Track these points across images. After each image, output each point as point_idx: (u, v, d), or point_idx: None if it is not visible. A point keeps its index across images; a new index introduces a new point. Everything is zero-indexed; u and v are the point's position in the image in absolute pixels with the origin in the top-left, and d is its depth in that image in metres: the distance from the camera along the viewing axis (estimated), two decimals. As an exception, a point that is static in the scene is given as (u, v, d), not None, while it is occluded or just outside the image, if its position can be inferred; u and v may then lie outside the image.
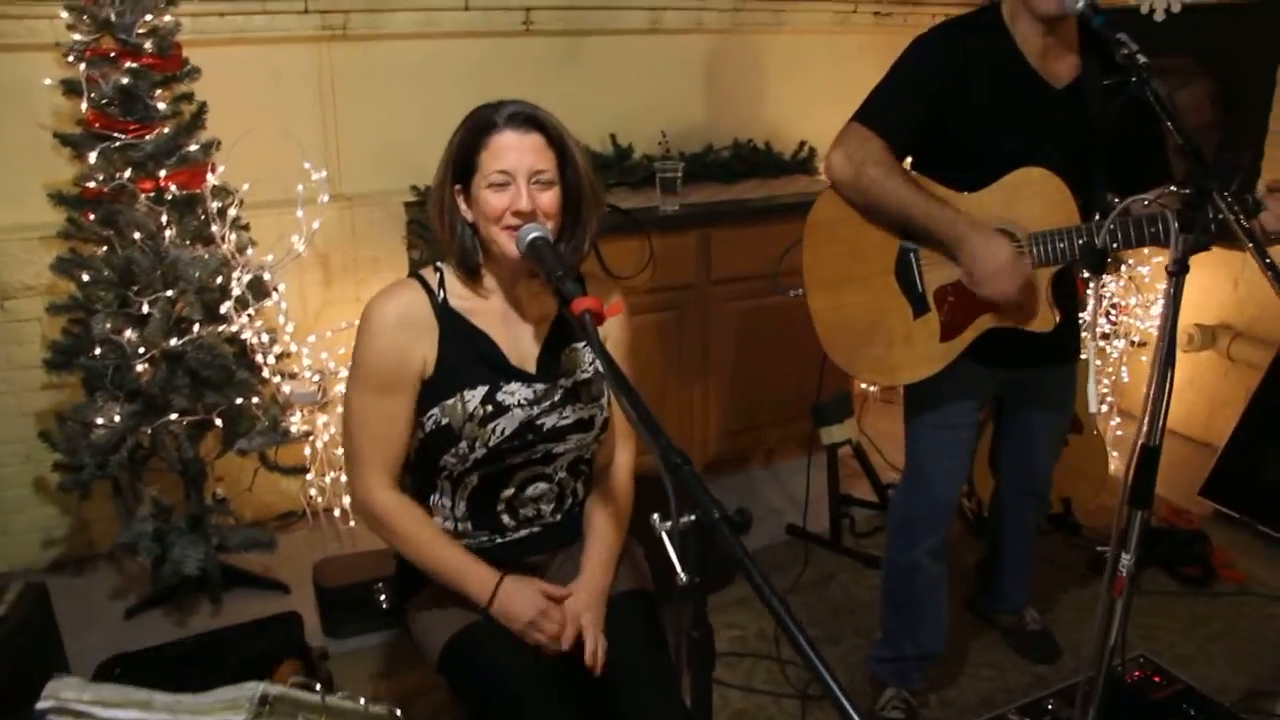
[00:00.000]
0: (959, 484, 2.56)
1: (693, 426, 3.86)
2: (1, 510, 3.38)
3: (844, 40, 4.33)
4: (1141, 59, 1.85)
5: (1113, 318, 4.08)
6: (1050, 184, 2.17)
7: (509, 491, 1.90)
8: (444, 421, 1.82)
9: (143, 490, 3.11)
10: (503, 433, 1.83)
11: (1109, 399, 4.22)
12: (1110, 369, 4.19)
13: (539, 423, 1.86)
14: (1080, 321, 3.31)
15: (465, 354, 1.83)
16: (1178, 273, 1.75)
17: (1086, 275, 3.76)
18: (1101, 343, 4.08)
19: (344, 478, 3.56)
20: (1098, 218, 2.19)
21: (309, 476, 3.50)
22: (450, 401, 1.81)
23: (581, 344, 1.91)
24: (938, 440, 2.48)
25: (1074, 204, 2.16)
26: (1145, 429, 1.83)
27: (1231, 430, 3.75)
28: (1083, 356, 2.57)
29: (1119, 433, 4.18)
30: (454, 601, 1.87)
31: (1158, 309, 4.13)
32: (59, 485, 3.06)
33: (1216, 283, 4.14)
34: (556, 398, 1.88)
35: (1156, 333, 4.03)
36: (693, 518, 1.25)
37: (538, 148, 1.75)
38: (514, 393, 1.84)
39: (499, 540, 1.92)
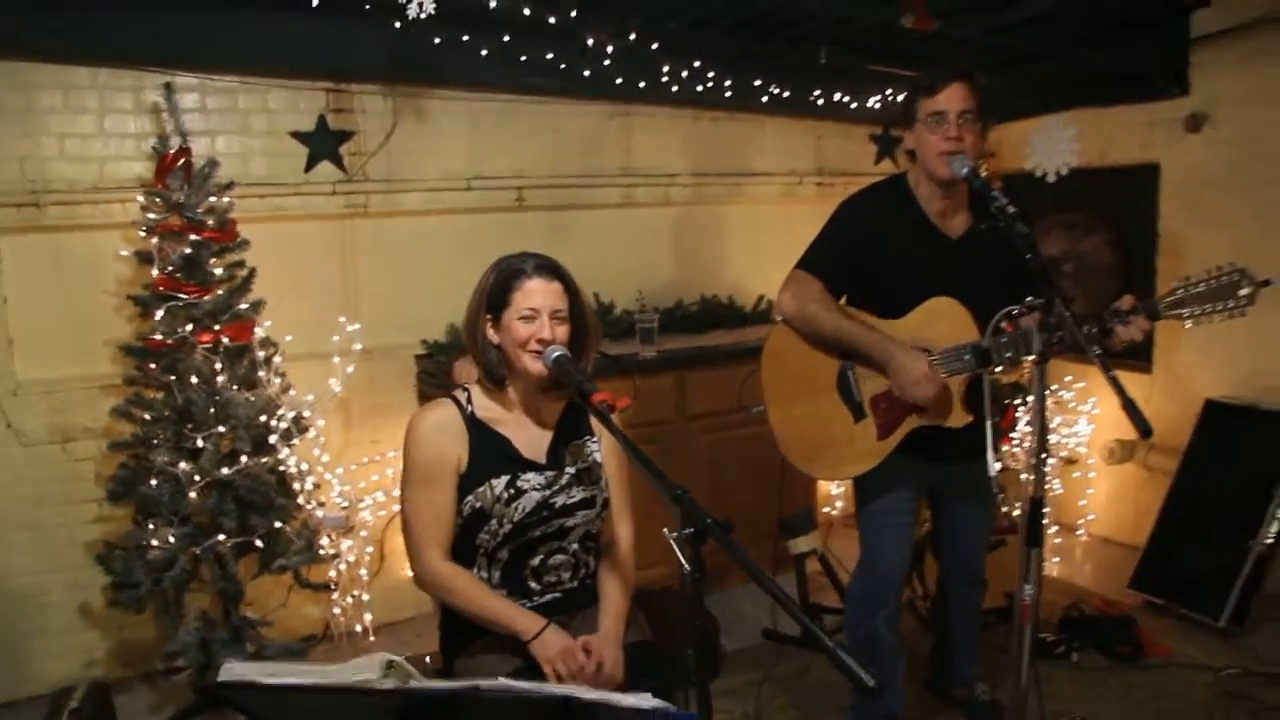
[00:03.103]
0: (904, 561, 3.02)
1: (670, 550, 4.27)
2: (49, 634, 3.72)
3: (792, 209, 5.01)
4: (1010, 209, 2.40)
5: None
6: (955, 310, 2.73)
7: (534, 561, 2.34)
8: (477, 505, 2.29)
9: (185, 607, 3.48)
10: (524, 510, 2.29)
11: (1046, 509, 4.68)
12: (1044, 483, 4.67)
13: (552, 501, 2.32)
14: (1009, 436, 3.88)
15: (490, 452, 2.32)
16: (1041, 361, 2.26)
17: (1013, 401, 4.34)
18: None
19: (365, 596, 3.94)
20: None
21: (334, 596, 3.87)
22: (481, 489, 2.29)
23: (582, 439, 2.41)
24: (884, 525, 2.96)
25: (974, 326, 2.70)
26: (1031, 485, 2.30)
27: (1151, 530, 4.23)
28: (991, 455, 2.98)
29: (1058, 540, 4.65)
30: (498, 650, 2.28)
31: (1081, 427, 4.70)
32: (113, 602, 3.42)
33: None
34: (564, 481, 2.35)
35: (1083, 448, 4.58)
36: (691, 530, 1.71)
37: (557, 292, 2.31)
38: (530, 480, 2.32)
39: (528, 604, 2.34)
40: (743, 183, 4.96)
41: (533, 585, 2.35)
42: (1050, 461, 4.66)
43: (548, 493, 2.32)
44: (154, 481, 3.36)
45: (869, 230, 2.81)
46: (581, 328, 2.36)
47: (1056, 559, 4.63)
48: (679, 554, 1.72)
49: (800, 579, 3.98)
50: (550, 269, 2.31)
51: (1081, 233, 4.82)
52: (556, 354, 2.22)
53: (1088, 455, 4.86)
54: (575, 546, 2.38)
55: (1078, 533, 4.92)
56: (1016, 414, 4.62)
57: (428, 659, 3.35)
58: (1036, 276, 2.30)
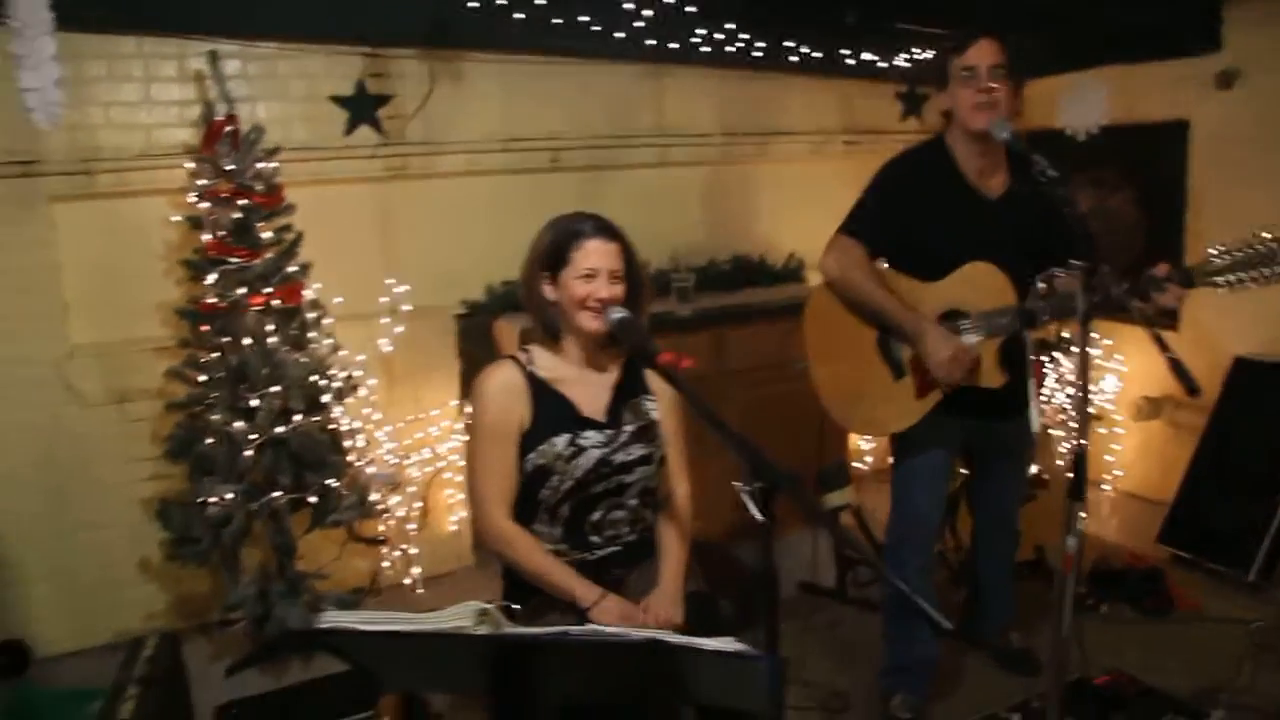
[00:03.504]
0: (937, 513, 3.12)
1: (709, 499, 4.37)
2: (113, 586, 3.84)
3: (821, 167, 5.05)
4: (1051, 172, 2.46)
5: (1069, 395, 4.67)
6: (992, 274, 2.79)
7: (594, 516, 2.43)
8: (540, 463, 2.37)
9: (243, 562, 3.59)
10: (584, 468, 2.38)
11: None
12: (1070, 439, 4.74)
13: (611, 458, 2.41)
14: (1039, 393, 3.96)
15: (551, 411, 2.40)
16: (1084, 323, 2.32)
17: (1041, 358, 4.41)
18: (1062, 416, 4.66)
19: (413, 550, 4.06)
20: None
21: (384, 549, 3.99)
22: (543, 447, 2.37)
23: (640, 397, 2.48)
24: (918, 478, 3.06)
25: (1011, 289, 2.77)
26: (1076, 438, 2.38)
27: (1179, 484, 4.31)
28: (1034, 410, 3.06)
29: (1083, 495, 4.72)
30: (555, 610, 2.36)
31: (1107, 383, 4.77)
32: (173, 557, 3.55)
33: (1157, 359, 4.66)
34: (623, 439, 2.43)
35: (1110, 404, 4.65)
36: (760, 484, 1.80)
37: (615, 253, 2.38)
38: (590, 437, 2.40)
39: (589, 557, 2.43)
40: (772, 142, 5.00)
41: (593, 539, 2.44)
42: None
43: (607, 450, 2.40)
44: (210, 440, 3.47)
45: (909, 192, 2.89)
46: (636, 287, 2.43)
47: (1083, 514, 4.69)
48: (750, 505, 1.80)
49: (835, 532, 4.08)
50: (609, 229, 2.39)
51: (1108, 190, 4.85)
52: (619, 315, 2.30)
53: (1115, 411, 4.93)
54: (634, 501, 2.47)
55: (1104, 488, 5.00)
56: (1044, 370, 4.69)
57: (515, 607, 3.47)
58: (1080, 241, 2.36)
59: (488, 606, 1.69)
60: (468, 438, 2.43)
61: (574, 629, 1.63)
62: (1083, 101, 4.54)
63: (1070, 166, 4.88)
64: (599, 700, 1.96)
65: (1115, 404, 4.92)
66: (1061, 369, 4.69)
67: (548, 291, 2.39)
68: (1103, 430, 4.91)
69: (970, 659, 3.49)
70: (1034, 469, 4.11)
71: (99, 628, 3.81)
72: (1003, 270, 2.79)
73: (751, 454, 1.85)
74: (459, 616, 1.67)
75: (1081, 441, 2.48)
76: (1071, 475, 2.48)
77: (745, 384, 4.37)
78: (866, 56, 4.77)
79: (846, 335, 2.98)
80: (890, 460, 3.16)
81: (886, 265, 2.98)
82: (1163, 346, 2.20)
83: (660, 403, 2.51)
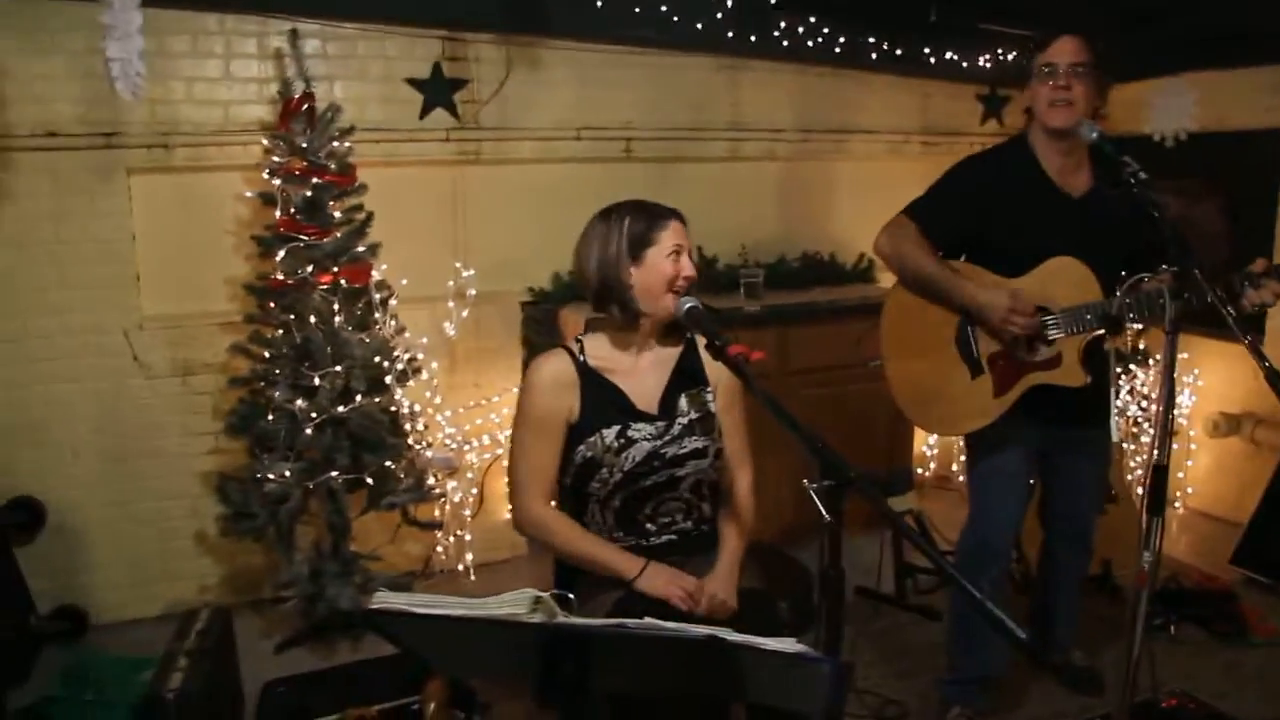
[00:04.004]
0: (1014, 522, 3.02)
1: (770, 500, 4.31)
2: (171, 557, 3.90)
3: (897, 167, 4.95)
4: (1142, 175, 2.38)
5: (1144, 406, 4.53)
6: (1077, 270, 2.70)
7: (647, 509, 2.38)
8: (589, 455, 2.33)
9: (297, 540, 3.61)
10: (634, 460, 2.33)
11: (1141, 482, 4.61)
12: (1142, 453, 4.60)
13: (663, 451, 2.35)
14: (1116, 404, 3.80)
15: (602, 402, 2.36)
16: (1173, 331, 2.23)
17: (1117, 370, 4.27)
18: (1135, 429, 4.52)
19: (467, 536, 4.06)
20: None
21: (438, 534, 3.98)
22: (592, 439, 2.33)
23: (696, 389, 2.42)
24: (995, 484, 2.96)
25: (1097, 284, 2.67)
26: (1156, 452, 2.27)
27: (1256, 505, 4.15)
28: (1114, 420, 2.97)
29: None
30: (604, 585, 2.34)
31: (1183, 398, 4.61)
32: (229, 532, 3.57)
33: (1239, 374, 4.57)
34: (675, 432, 2.37)
35: (1184, 420, 4.50)
36: (831, 481, 1.73)
37: (687, 234, 2.35)
38: (641, 429, 2.35)
39: (644, 544, 2.39)
40: (848, 140, 4.91)
41: (648, 527, 2.40)
42: (1150, 431, 4.57)
43: (658, 443, 2.35)
44: (271, 417, 3.48)
45: (984, 186, 2.81)
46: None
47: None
48: (819, 504, 1.74)
49: (895, 538, 3.99)
50: (680, 213, 2.38)
51: (1192, 198, 4.68)
52: (689, 304, 2.26)
53: (1189, 427, 4.77)
54: (688, 494, 2.41)
55: (1175, 505, 4.84)
56: (1118, 383, 4.55)
57: (570, 597, 3.44)
58: (1171, 244, 2.27)
59: (542, 595, 1.64)
60: (514, 424, 2.39)
61: (631, 622, 1.57)
62: (1172, 105, 4.39)
63: (1155, 173, 4.76)
64: (650, 693, 1.92)
65: (1189, 419, 4.75)
66: (1136, 380, 4.55)
67: (630, 275, 2.32)
68: (1175, 447, 4.74)
69: (1031, 676, 3.38)
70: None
71: (155, 597, 3.86)
72: (1085, 264, 2.69)
73: (822, 451, 1.79)
74: (513, 604, 1.62)
75: (1161, 454, 2.37)
76: (1150, 489, 2.36)
77: (810, 384, 4.29)
78: (948, 56, 4.66)
79: (923, 333, 2.90)
80: (965, 463, 3.07)
81: (964, 259, 2.90)
82: (1259, 355, 2.09)
83: (719, 394, 2.46)
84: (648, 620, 1.58)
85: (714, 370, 2.44)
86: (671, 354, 2.45)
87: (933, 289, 2.84)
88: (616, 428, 2.33)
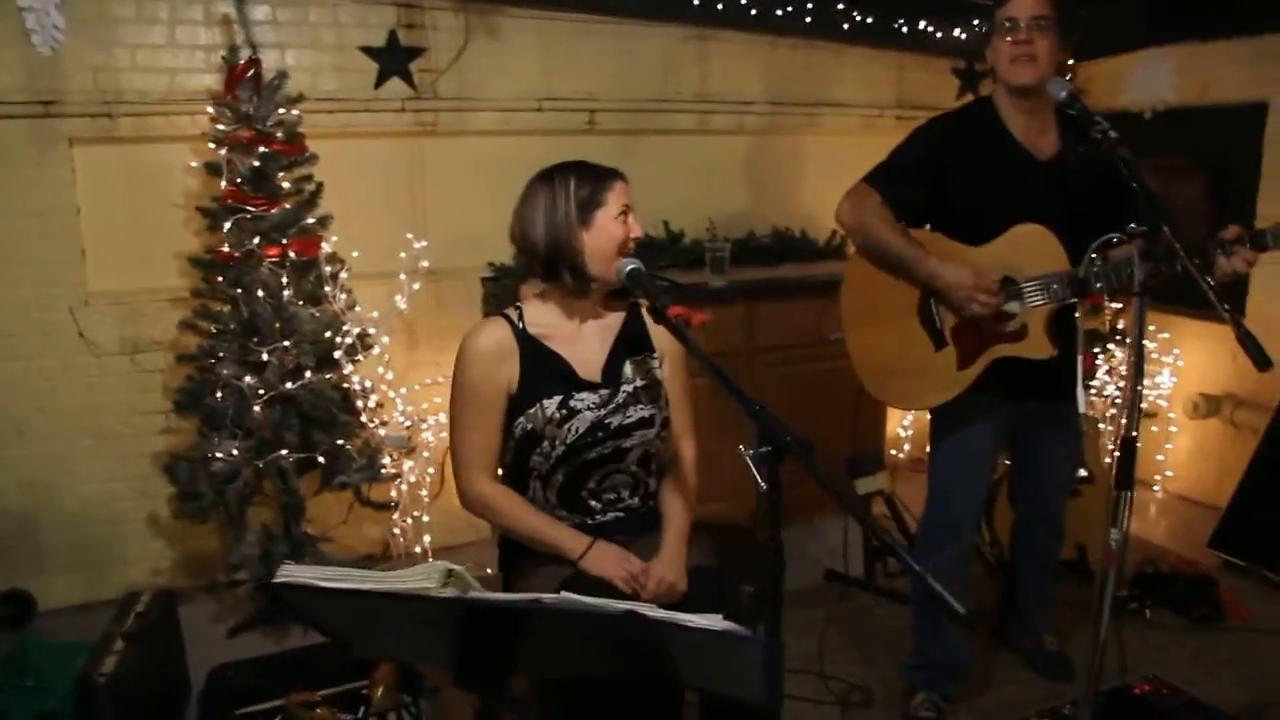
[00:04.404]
0: (977, 501, 2.92)
1: (737, 483, 4.20)
2: (119, 541, 3.79)
3: (871, 142, 4.76)
4: (1112, 133, 2.28)
5: (1120, 387, 4.43)
6: (1043, 237, 2.58)
7: (591, 484, 2.27)
8: (529, 427, 2.22)
9: (249, 521, 3.49)
10: (577, 431, 2.21)
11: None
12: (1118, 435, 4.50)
13: (607, 422, 2.24)
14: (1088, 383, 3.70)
15: (542, 371, 2.24)
16: (1141, 293, 2.12)
17: (1094, 350, 4.18)
18: (1112, 411, 4.42)
19: (425, 518, 3.95)
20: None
21: (395, 516, 3.87)
22: (532, 410, 2.21)
23: (641, 356, 2.31)
24: (957, 462, 2.86)
25: (1064, 253, 2.56)
26: (1124, 422, 2.17)
27: (1235, 487, 4.06)
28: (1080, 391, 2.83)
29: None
30: (551, 562, 2.24)
31: (1162, 378, 4.52)
32: (174, 514, 3.46)
33: (1217, 355, 4.48)
34: (620, 400, 2.26)
35: (1164, 401, 4.41)
36: (769, 448, 1.63)
37: (631, 193, 2.24)
38: (584, 399, 2.23)
39: (589, 522, 2.29)
40: (820, 113, 4.80)
41: (593, 504, 2.29)
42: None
43: (602, 413, 2.23)
44: (219, 394, 3.37)
45: (947, 150, 2.69)
46: None
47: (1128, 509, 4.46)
48: (755, 472, 1.63)
49: (845, 502, 3.86)
50: (622, 174, 2.26)
51: (1173, 177, 4.58)
52: (630, 266, 2.15)
53: (1169, 409, 4.67)
54: (635, 467, 2.31)
55: (1154, 489, 4.75)
56: (1095, 362, 4.46)
57: (489, 570, 3.34)
58: (1144, 203, 2.17)
59: (456, 568, 1.54)
60: (451, 399, 2.27)
61: (547, 596, 1.46)
62: (1149, 79, 4.28)
63: (1135, 152, 4.66)
64: (582, 674, 1.81)
65: (1169, 401, 4.66)
66: (1115, 360, 4.45)
67: (580, 240, 2.19)
68: (1154, 428, 4.65)
69: (1001, 660, 3.29)
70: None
71: (106, 582, 3.75)
72: (1052, 232, 2.58)
73: (760, 416, 1.69)
74: (424, 577, 1.52)
75: (1130, 427, 2.27)
76: (1119, 463, 2.26)
77: (777, 361, 4.19)
78: (923, 27, 4.55)
79: (885, 304, 2.78)
80: (929, 441, 2.97)
81: (928, 228, 2.78)
82: (1232, 318, 1.99)
83: (666, 361, 2.35)
84: (564, 595, 1.48)
85: (660, 337, 2.34)
86: (616, 320, 2.34)
87: (894, 263, 2.72)
88: (558, 398, 2.21)
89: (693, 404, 2.47)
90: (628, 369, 2.29)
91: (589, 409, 2.22)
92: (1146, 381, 4.54)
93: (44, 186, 3.57)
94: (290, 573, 1.56)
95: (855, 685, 3.16)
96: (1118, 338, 4.50)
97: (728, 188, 4.68)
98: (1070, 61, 4.54)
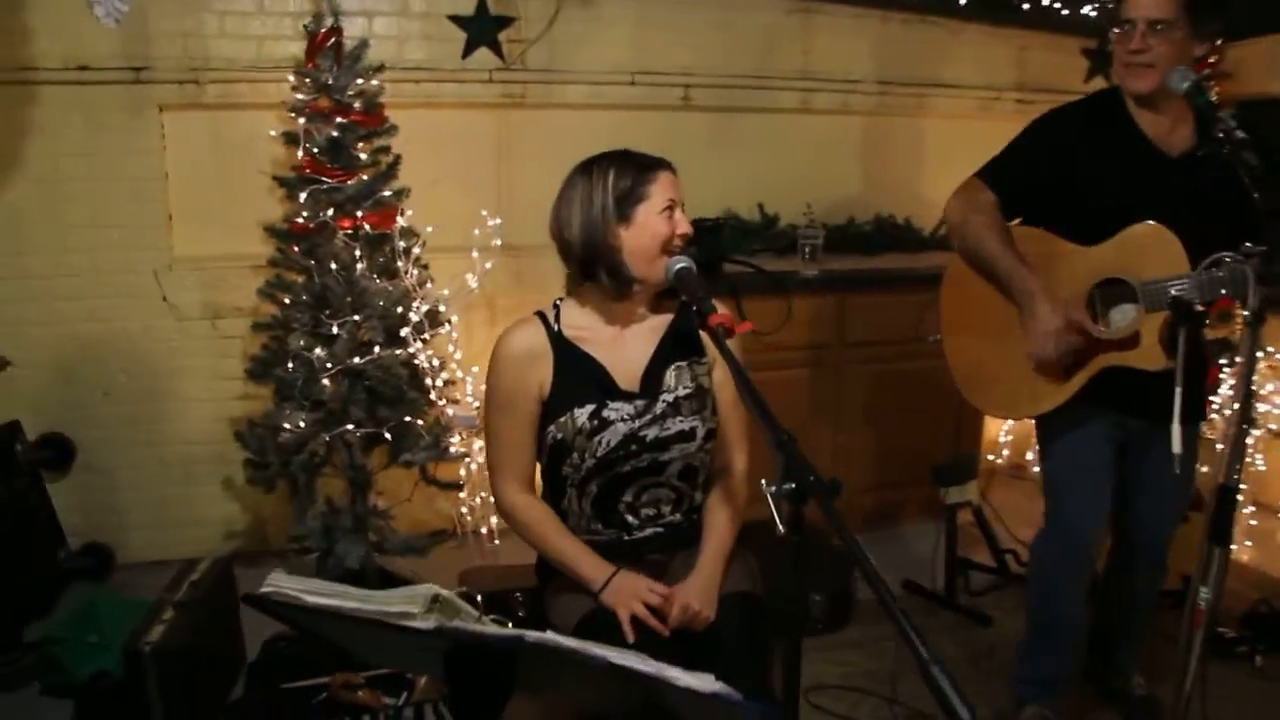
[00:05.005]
0: (1098, 519, 2.66)
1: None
2: (196, 502, 3.84)
3: (987, 126, 4.51)
4: (1238, 134, 2.03)
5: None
6: (1163, 238, 2.34)
7: (628, 498, 2.13)
8: (559, 436, 2.08)
9: (316, 492, 3.49)
10: (608, 445, 2.07)
11: (1243, 486, 4.15)
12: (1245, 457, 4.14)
13: (642, 434, 2.08)
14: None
15: (576, 377, 2.09)
16: (1254, 323, 1.87)
17: (1220, 361, 3.83)
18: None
19: (493, 499, 3.88)
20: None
21: (462, 495, 3.83)
22: (563, 419, 2.07)
23: (686, 361, 2.15)
24: (1071, 480, 2.64)
25: (1184, 255, 2.31)
26: (1224, 470, 1.93)
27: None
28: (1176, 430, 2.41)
29: (1252, 522, 4.13)
30: (579, 593, 2.11)
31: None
32: (247, 480, 3.47)
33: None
34: (658, 411, 2.10)
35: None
36: (793, 485, 1.47)
37: (681, 187, 2.07)
38: (618, 409, 2.08)
39: (625, 537, 2.15)
40: (932, 94, 4.52)
41: (630, 519, 2.14)
42: (1255, 433, 4.11)
43: (637, 424, 2.08)
44: (290, 365, 3.35)
45: (1070, 141, 2.48)
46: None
47: (1249, 543, 4.11)
48: (774, 512, 1.48)
49: (950, 530, 3.66)
50: (668, 162, 2.11)
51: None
52: (680, 265, 2.00)
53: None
54: (676, 481, 2.15)
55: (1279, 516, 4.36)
56: (1221, 374, 4.09)
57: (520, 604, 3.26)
58: (1258, 218, 1.93)
59: (444, 593, 1.44)
60: (484, 403, 2.17)
61: (530, 635, 1.35)
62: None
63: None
64: (580, 708, 1.70)
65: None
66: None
67: (619, 238, 2.05)
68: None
69: (1085, 700, 3.04)
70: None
71: (181, 541, 3.80)
72: (1173, 233, 2.34)
73: (786, 448, 1.52)
74: (408, 601, 1.42)
75: (1232, 472, 2.01)
76: (1214, 515, 2.01)
77: (869, 358, 3.98)
78: (1048, 3, 4.22)
79: (987, 306, 2.60)
80: (1037, 458, 2.76)
81: (1041, 229, 2.57)
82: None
83: (717, 366, 2.17)
84: (548, 635, 1.36)
85: (709, 340, 2.16)
86: (662, 321, 2.18)
87: (992, 273, 2.54)
88: (590, 407, 2.07)
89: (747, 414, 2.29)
90: (670, 377, 2.13)
91: (623, 420, 2.08)
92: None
93: (135, 152, 3.62)
94: (276, 583, 1.49)
95: (922, 713, 2.96)
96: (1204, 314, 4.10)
97: (829, 171, 4.46)
98: (1217, 42, 4.15)
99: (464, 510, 3.92)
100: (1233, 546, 4.02)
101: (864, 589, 3.66)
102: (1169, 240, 2.34)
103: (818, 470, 1.46)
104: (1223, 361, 4.04)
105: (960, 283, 2.69)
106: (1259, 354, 3.93)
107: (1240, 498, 4.12)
